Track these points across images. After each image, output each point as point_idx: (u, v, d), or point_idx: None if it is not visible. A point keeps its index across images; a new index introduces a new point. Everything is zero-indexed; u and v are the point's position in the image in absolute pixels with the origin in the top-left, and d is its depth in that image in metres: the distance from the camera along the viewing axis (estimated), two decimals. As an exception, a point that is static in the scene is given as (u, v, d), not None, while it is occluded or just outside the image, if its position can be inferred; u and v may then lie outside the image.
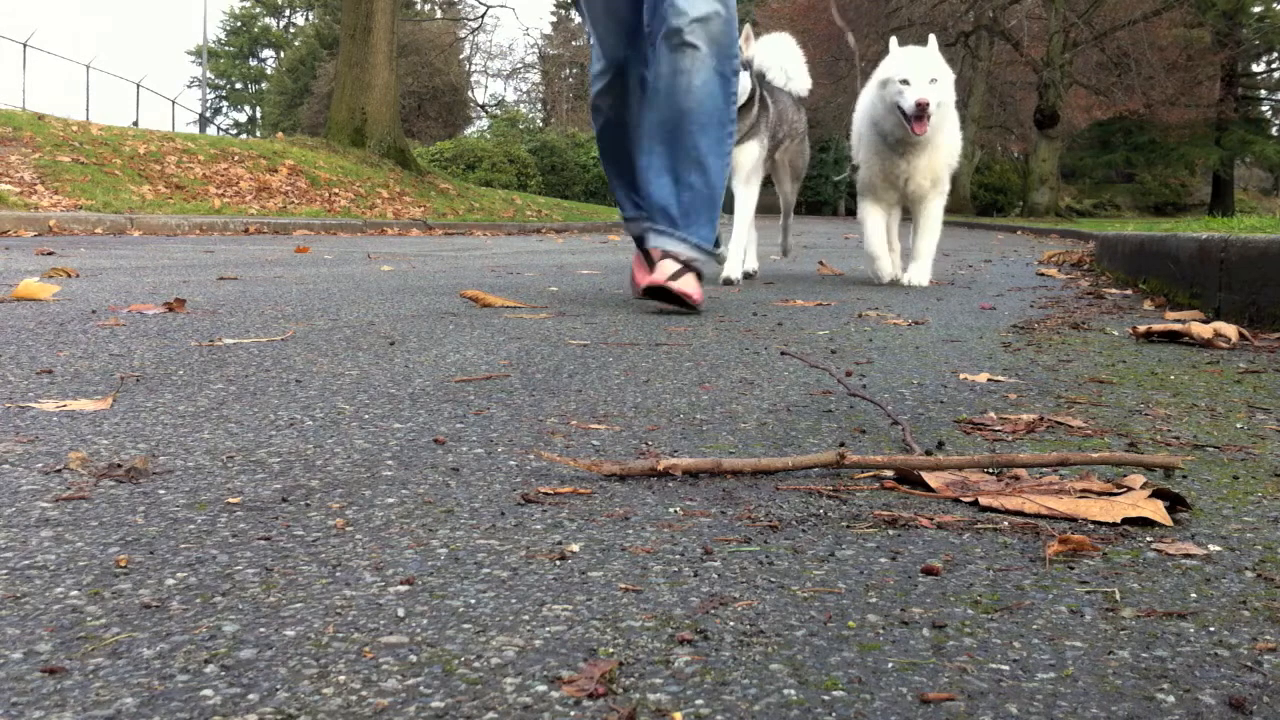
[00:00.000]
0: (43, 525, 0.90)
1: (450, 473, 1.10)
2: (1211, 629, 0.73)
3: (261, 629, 0.70)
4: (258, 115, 55.92)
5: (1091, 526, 0.96)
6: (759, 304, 3.19)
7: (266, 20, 58.64)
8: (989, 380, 1.77)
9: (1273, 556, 0.88)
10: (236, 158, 11.78)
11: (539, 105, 46.28)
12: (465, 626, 0.71)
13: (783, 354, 2.04)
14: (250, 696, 0.60)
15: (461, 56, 41.67)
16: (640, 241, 2.99)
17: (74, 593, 0.75)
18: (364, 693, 0.61)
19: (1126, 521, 0.96)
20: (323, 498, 1.00)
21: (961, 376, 1.80)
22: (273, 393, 1.52)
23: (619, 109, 3.16)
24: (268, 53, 58.07)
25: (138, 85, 29.75)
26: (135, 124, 20.29)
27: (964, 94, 27.00)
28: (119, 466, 1.08)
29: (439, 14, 42.21)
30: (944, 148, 3.95)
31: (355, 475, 1.08)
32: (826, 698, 0.61)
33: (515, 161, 22.64)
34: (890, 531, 0.93)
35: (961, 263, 6.26)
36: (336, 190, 12.03)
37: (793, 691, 0.62)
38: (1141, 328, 2.42)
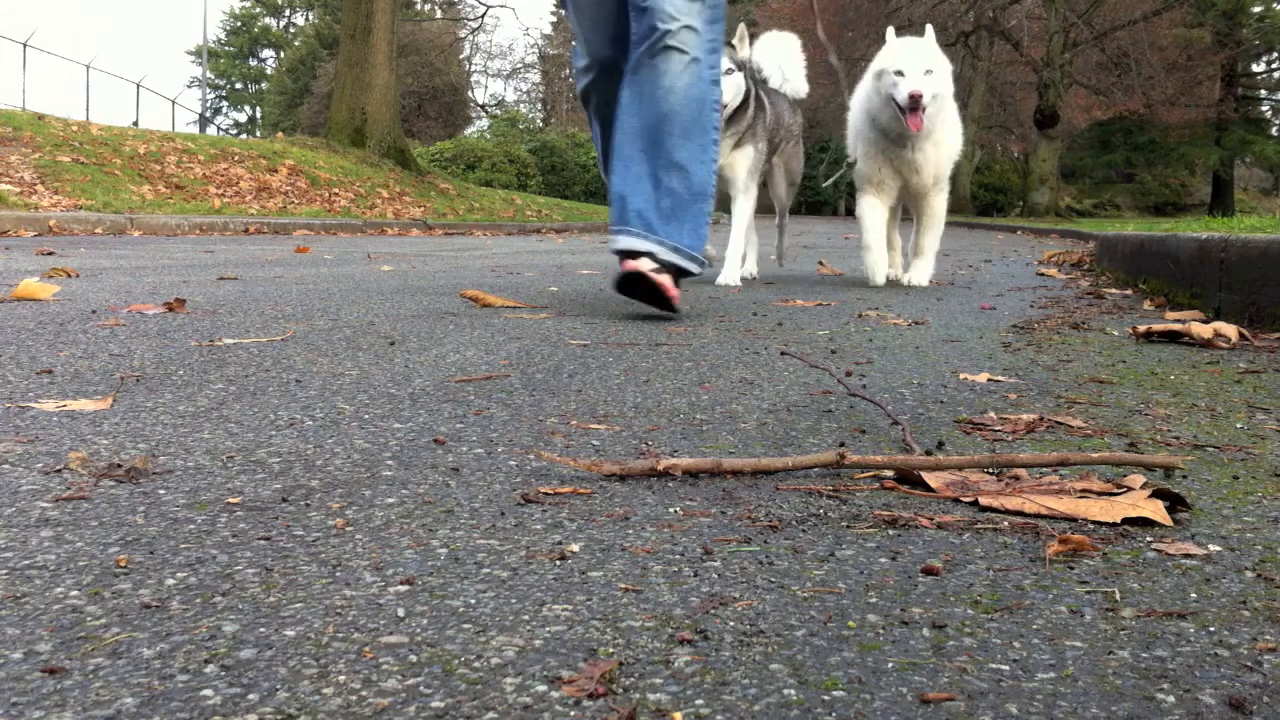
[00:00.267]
0: (43, 525, 0.90)
1: (450, 473, 1.10)
2: (1211, 629, 0.73)
3: (261, 629, 0.70)
4: (258, 115, 55.93)
5: (1091, 526, 0.96)
6: (759, 304, 3.19)
7: (266, 20, 58.65)
8: (989, 380, 1.77)
9: (1273, 556, 0.88)
10: (236, 158, 11.78)
11: (539, 105, 46.28)
12: (465, 626, 0.71)
13: (783, 354, 2.04)
14: (250, 696, 0.60)
15: (461, 56, 41.67)
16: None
17: (74, 593, 0.75)
18: (364, 693, 0.61)
19: (1126, 521, 0.96)
20: (323, 498, 1.00)
21: (961, 376, 1.80)
22: (273, 393, 1.52)
23: (608, 106, 3.10)
24: (268, 53, 58.08)
25: (138, 85, 29.76)
26: (135, 124, 20.29)
27: (964, 94, 26.98)
28: (119, 466, 1.08)
29: (439, 14, 42.22)
30: (945, 143, 3.85)
31: (355, 475, 1.08)
32: (826, 698, 0.61)
33: (515, 161, 22.64)
34: (890, 531, 0.93)
35: (961, 263, 6.26)
36: (336, 190, 12.03)
37: (793, 691, 0.62)
38: (1141, 328, 2.42)
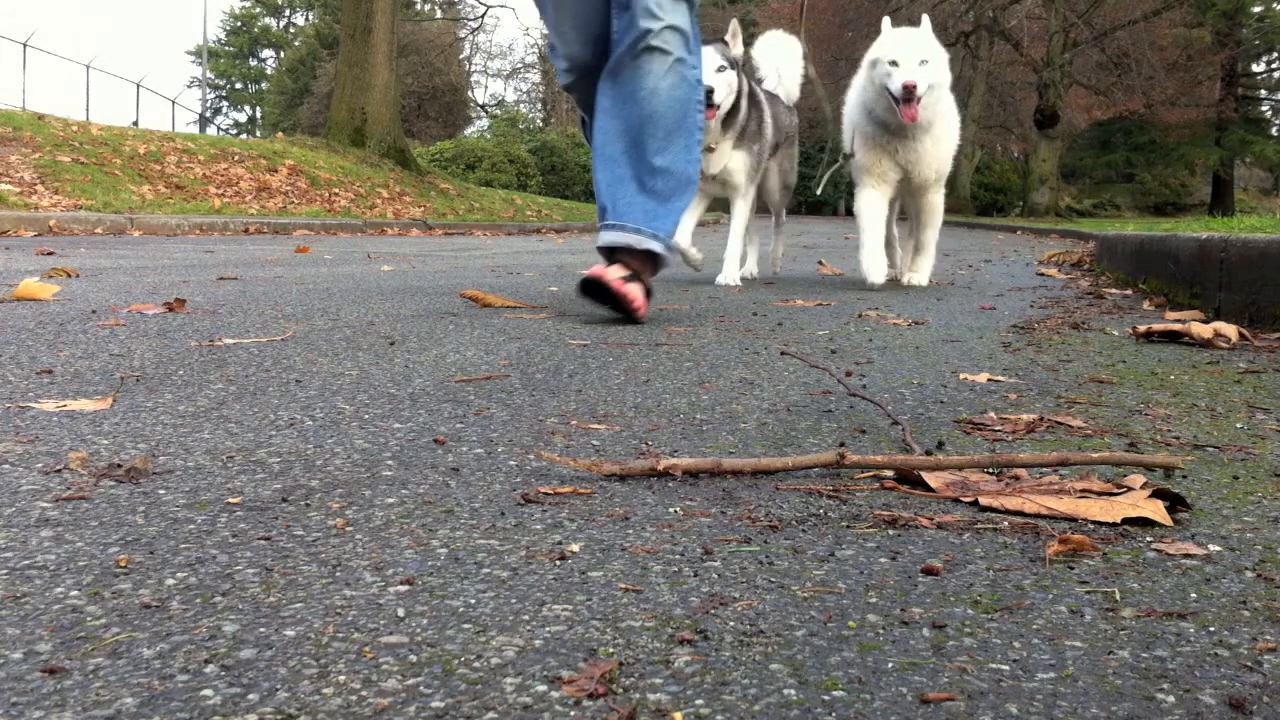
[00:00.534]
0: (43, 525, 0.90)
1: (450, 473, 1.10)
2: (1211, 629, 0.73)
3: (261, 629, 0.70)
4: (258, 115, 55.93)
5: (1091, 526, 0.96)
6: (759, 304, 3.19)
7: (266, 20, 58.64)
8: (989, 380, 1.77)
9: (1273, 556, 0.88)
10: (236, 158, 11.78)
11: (539, 105, 46.27)
12: (465, 626, 0.71)
13: (783, 354, 2.04)
14: (250, 696, 0.60)
15: (461, 56, 41.66)
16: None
17: (74, 593, 0.75)
18: (364, 693, 0.61)
19: (1126, 521, 0.96)
20: (323, 498, 1.00)
21: (961, 376, 1.80)
22: (273, 393, 1.52)
23: (592, 99, 3.01)
24: (268, 53, 58.08)
25: (138, 85, 29.77)
26: (135, 124, 20.29)
27: (964, 94, 26.99)
28: (119, 466, 1.08)
29: (439, 14, 42.20)
30: (946, 138, 3.74)
31: (355, 475, 1.08)
32: (826, 698, 0.61)
33: (515, 161, 22.64)
34: (890, 531, 0.93)
35: (961, 263, 6.26)
36: (336, 190, 12.03)
37: (793, 691, 0.62)
38: (1141, 328, 2.42)
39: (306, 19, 55.63)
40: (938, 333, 2.49)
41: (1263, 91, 32.29)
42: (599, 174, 2.73)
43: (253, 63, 58.12)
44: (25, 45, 23.66)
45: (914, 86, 3.43)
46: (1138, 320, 2.76)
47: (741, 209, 4.04)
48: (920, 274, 4.04)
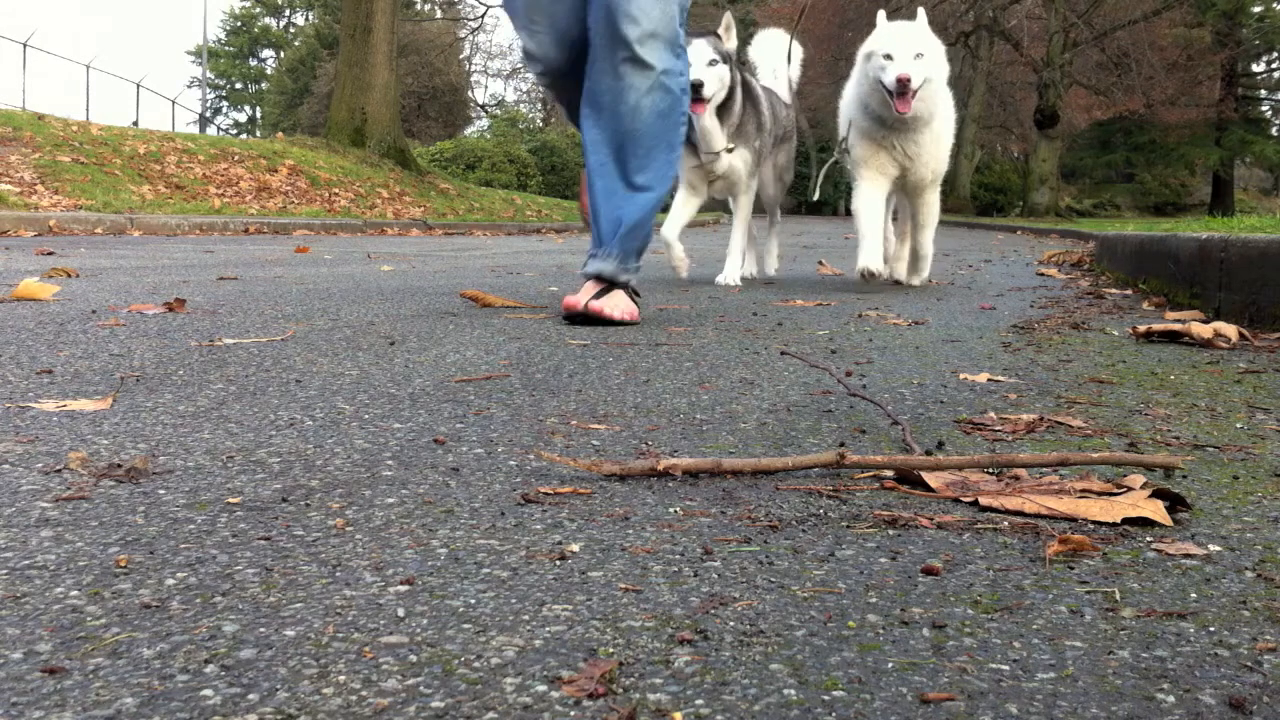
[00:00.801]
0: (43, 525, 0.90)
1: (450, 473, 1.10)
2: (1211, 629, 0.73)
3: (261, 629, 0.70)
4: (258, 115, 55.92)
5: (1091, 526, 0.96)
6: (759, 304, 3.19)
7: (266, 20, 58.64)
8: (989, 380, 1.77)
9: (1273, 556, 0.88)
10: (236, 158, 11.78)
11: (539, 105, 46.28)
12: (465, 626, 0.71)
13: (783, 354, 2.04)
14: (250, 696, 0.60)
15: (461, 56, 41.65)
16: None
17: (74, 593, 0.75)
18: (364, 693, 0.61)
19: (1126, 521, 0.96)
20: (323, 498, 1.00)
21: (961, 376, 1.80)
22: (273, 393, 1.52)
23: (569, 95, 2.89)
24: (268, 53, 58.08)
25: (138, 85, 29.75)
26: (135, 124, 20.28)
27: (964, 94, 26.98)
28: (119, 466, 1.08)
29: (439, 14, 42.19)
30: (944, 135, 3.67)
31: (355, 475, 1.08)
32: (826, 698, 0.61)
33: (515, 161, 22.63)
34: (890, 531, 0.93)
35: (961, 263, 6.26)
36: (336, 190, 12.03)
37: (793, 691, 0.62)
38: (1141, 328, 2.42)
39: (306, 19, 55.63)
40: (938, 333, 2.49)
41: (1263, 91, 32.29)
42: (589, 183, 2.66)
43: (253, 63, 58.11)
44: (25, 45, 23.66)
45: (908, 79, 3.37)
46: (1138, 320, 2.76)
47: (743, 205, 4.01)
48: (920, 276, 4.02)
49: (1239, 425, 1.43)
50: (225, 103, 58.18)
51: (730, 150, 3.78)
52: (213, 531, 0.89)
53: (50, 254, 4.89)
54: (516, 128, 30.29)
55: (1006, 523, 0.96)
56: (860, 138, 3.69)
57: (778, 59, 4.42)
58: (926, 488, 1.07)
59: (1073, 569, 0.84)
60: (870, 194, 3.72)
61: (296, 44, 49.92)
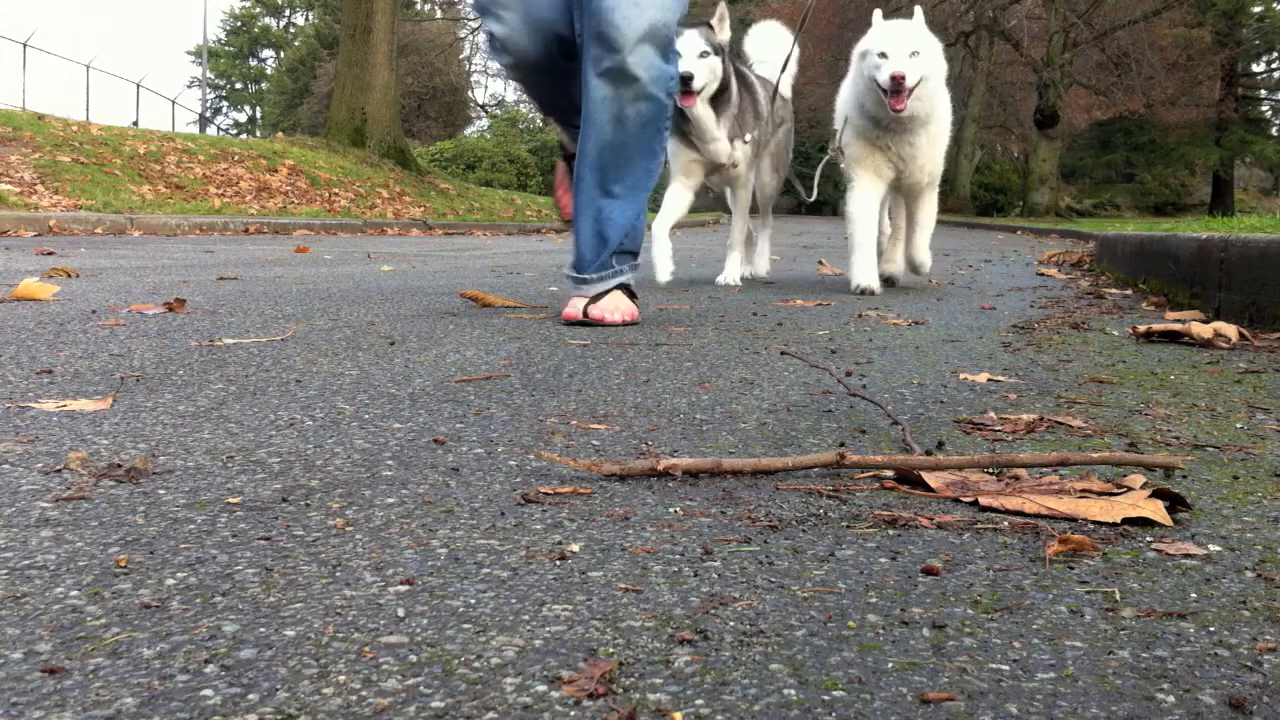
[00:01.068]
0: (43, 525, 0.90)
1: (450, 473, 1.10)
2: (1211, 629, 0.73)
3: (261, 629, 0.70)
4: (258, 115, 55.92)
5: (1091, 526, 0.96)
6: (759, 304, 3.19)
7: (266, 20, 58.64)
8: (989, 380, 1.77)
9: (1273, 556, 0.88)
10: (236, 158, 11.78)
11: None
12: (465, 626, 0.71)
13: (783, 354, 2.04)
14: (250, 696, 0.60)
15: (461, 56, 41.64)
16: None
17: (74, 593, 0.75)
18: (364, 693, 0.61)
19: (1126, 521, 0.96)
20: (323, 498, 1.00)
21: (961, 376, 1.80)
22: (273, 393, 1.52)
23: (540, 89, 2.77)
24: (268, 53, 58.07)
25: (138, 85, 29.75)
26: (135, 124, 20.28)
27: (964, 94, 26.99)
28: (119, 466, 1.08)
29: (439, 14, 42.19)
30: (941, 137, 3.59)
31: (355, 475, 1.08)
32: (826, 698, 0.61)
33: (515, 161, 22.63)
34: (890, 531, 0.93)
35: (961, 263, 6.26)
36: (336, 190, 12.03)
37: (793, 691, 0.62)
38: (1141, 328, 2.42)
39: (306, 19, 55.63)
40: (938, 333, 2.49)
41: (1263, 91, 32.28)
42: (573, 194, 2.61)
43: (253, 63, 58.11)
44: (25, 45, 23.65)
45: (902, 77, 3.30)
46: (1138, 320, 2.76)
47: (742, 200, 3.96)
48: (917, 277, 3.97)
49: (1239, 425, 1.43)
50: (225, 103, 58.18)
51: (731, 140, 3.72)
52: (213, 531, 0.89)
53: (50, 254, 4.89)
54: (516, 128, 30.28)
55: (1006, 523, 0.96)
56: (855, 138, 3.63)
57: (775, 53, 4.36)
58: (926, 488, 1.07)
59: (1073, 569, 0.84)
60: (865, 198, 3.66)
61: (296, 44, 49.90)
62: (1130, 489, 1.03)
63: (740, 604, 0.76)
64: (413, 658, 0.66)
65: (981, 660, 0.67)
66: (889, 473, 1.11)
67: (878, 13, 3.59)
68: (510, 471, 1.11)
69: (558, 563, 0.83)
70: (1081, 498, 1.02)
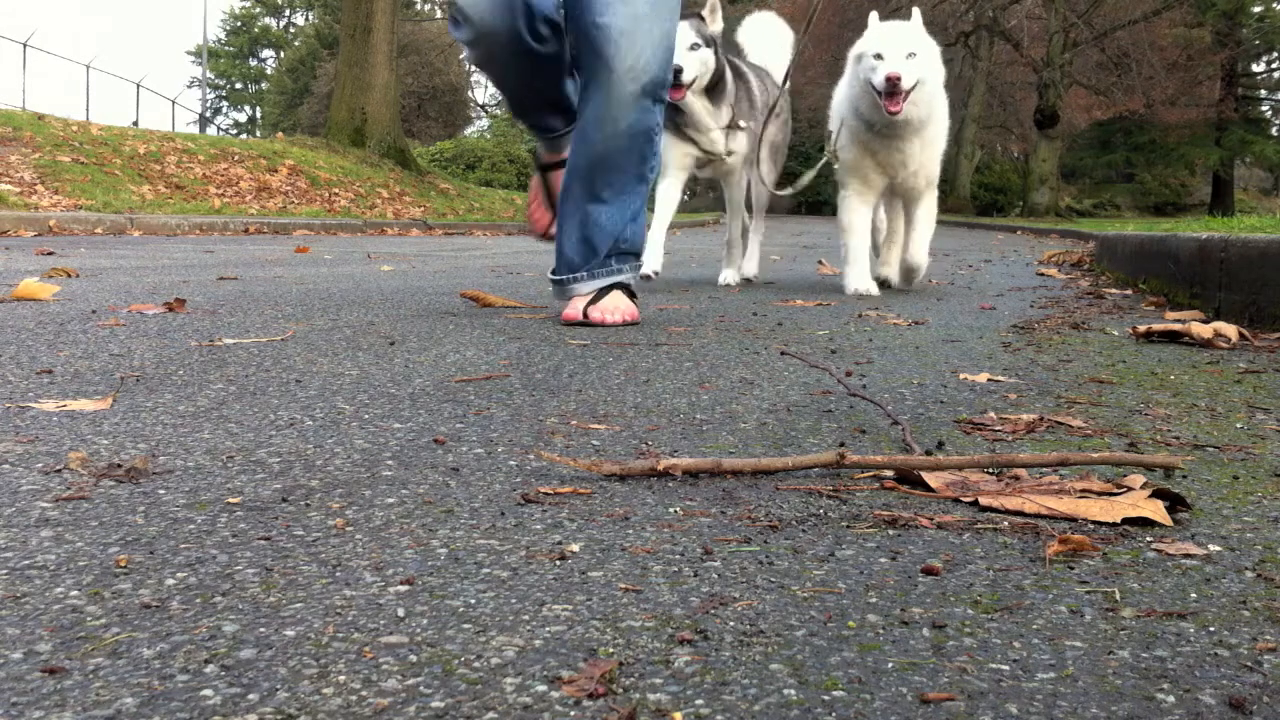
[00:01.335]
0: (43, 525, 0.90)
1: (450, 473, 1.10)
2: (1211, 629, 0.73)
3: (261, 629, 0.70)
4: (258, 115, 55.92)
5: (1091, 526, 0.96)
6: (759, 304, 3.19)
7: (266, 20, 58.64)
8: (989, 380, 1.77)
9: (1273, 556, 0.88)
10: (236, 158, 11.78)
11: (539, 105, 46.12)
12: (465, 626, 0.71)
13: (783, 354, 2.04)
14: (250, 696, 0.60)
15: (462, 56, 41.61)
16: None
17: (74, 593, 0.75)
18: (364, 693, 0.61)
19: (1126, 521, 0.96)
20: (323, 498, 1.00)
21: (961, 376, 1.80)
22: (273, 393, 1.52)
23: (503, 71, 2.59)
24: (268, 53, 58.07)
25: (138, 85, 29.75)
26: (135, 124, 20.28)
27: (964, 94, 26.98)
28: (119, 466, 1.08)
29: (439, 14, 42.18)
30: (937, 140, 3.51)
31: (355, 475, 1.08)
32: (826, 698, 0.61)
33: (515, 161, 22.62)
34: (890, 531, 0.93)
35: (961, 263, 6.26)
36: (336, 190, 12.04)
37: (793, 691, 0.62)
38: (1141, 328, 2.42)
39: (306, 19, 55.62)
40: (938, 333, 2.49)
41: (1263, 91, 32.28)
42: (560, 205, 2.56)
43: (253, 63, 58.10)
44: (25, 45, 23.65)
45: (898, 79, 3.22)
46: (1138, 320, 2.76)
47: (737, 195, 3.90)
48: (911, 284, 3.83)
49: (1239, 425, 1.42)
50: (225, 103, 58.18)
51: (728, 129, 3.65)
52: (213, 531, 0.89)
53: (50, 254, 4.89)
54: (516, 127, 30.27)
55: (1006, 523, 0.96)
56: (850, 143, 3.57)
57: (769, 45, 4.24)
58: (926, 488, 1.07)
59: (1073, 569, 0.84)
60: (858, 206, 3.62)
61: (296, 44, 49.89)
62: (1130, 489, 1.03)
63: (740, 604, 0.76)
64: (413, 658, 0.66)
65: (981, 660, 0.67)
66: (889, 473, 1.11)
67: (874, 14, 3.52)
68: (510, 471, 1.11)
69: (558, 563, 0.83)
70: (1081, 498, 1.02)
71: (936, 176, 3.64)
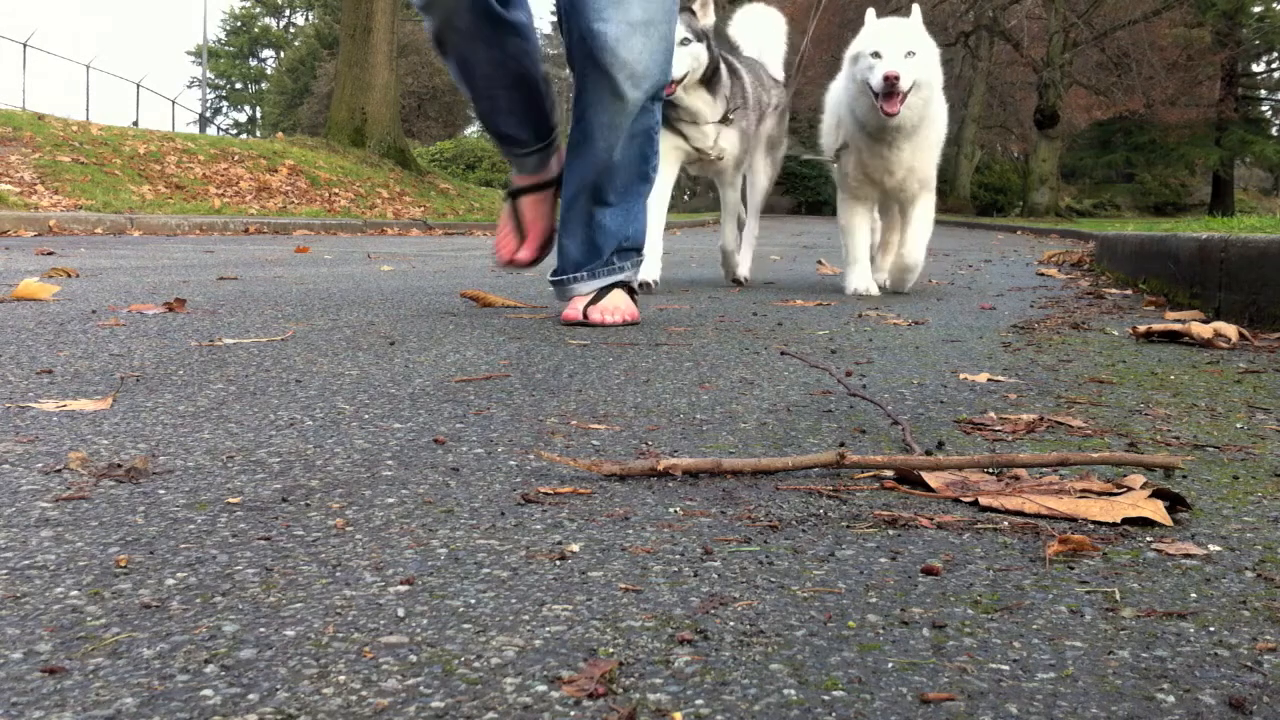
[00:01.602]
0: (43, 525, 0.90)
1: (450, 473, 1.10)
2: (1211, 629, 0.73)
3: (261, 629, 0.70)
4: (258, 115, 55.94)
5: (1091, 526, 0.96)
6: (759, 304, 3.19)
7: (266, 20, 58.65)
8: (989, 380, 1.77)
9: (1273, 556, 0.88)
10: (236, 158, 11.78)
11: (539, 105, 46.08)
12: (465, 626, 0.71)
13: (783, 354, 2.04)
14: (250, 696, 0.60)
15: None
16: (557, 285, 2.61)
17: (74, 593, 0.75)
18: (364, 693, 0.61)
19: (1126, 521, 0.96)
20: (323, 498, 1.00)
21: (961, 376, 1.80)
22: (273, 393, 1.52)
23: (466, 47, 2.48)
24: (268, 53, 58.09)
25: (138, 85, 29.73)
26: (135, 124, 20.28)
27: (964, 94, 26.99)
28: (119, 466, 1.08)
29: (439, 14, 42.12)
30: (932, 145, 3.41)
31: (355, 475, 1.08)
32: (826, 698, 0.61)
33: (515, 161, 22.60)
34: (890, 531, 0.93)
35: (961, 263, 6.26)
36: (336, 190, 12.04)
37: (793, 691, 0.62)
38: (1141, 328, 2.42)
39: (306, 19, 55.62)
40: (938, 333, 2.49)
41: (1263, 91, 32.29)
42: (560, 212, 2.56)
43: (253, 63, 58.12)
44: (25, 45, 23.65)
45: (896, 78, 3.10)
46: (1138, 320, 2.76)
47: (730, 194, 3.86)
48: (905, 287, 3.73)
49: (1239, 425, 1.43)
50: (225, 103, 58.20)
51: (723, 122, 3.58)
52: (213, 531, 0.89)
53: (50, 254, 4.89)
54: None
55: (1006, 523, 0.96)
56: (845, 145, 3.51)
57: (763, 37, 4.16)
58: (926, 488, 1.07)
59: (1073, 569, 0.84)
60: (856, 209, 3.57)
61: (296, 44, 49.89)
62: (1130, 489, 1.03)
63: (740, 604, 0.76)
64: (413, 658, 0.66)
65: (981, 660, 0.67)
66: (889, 473, 1.11)
67: (871, 12, 3.40)
68: (510, 471, 1.11)
69: (558, 563, 0.83)
70: (1081, 498, 1.02)
71: (932, 179, 3.55)
